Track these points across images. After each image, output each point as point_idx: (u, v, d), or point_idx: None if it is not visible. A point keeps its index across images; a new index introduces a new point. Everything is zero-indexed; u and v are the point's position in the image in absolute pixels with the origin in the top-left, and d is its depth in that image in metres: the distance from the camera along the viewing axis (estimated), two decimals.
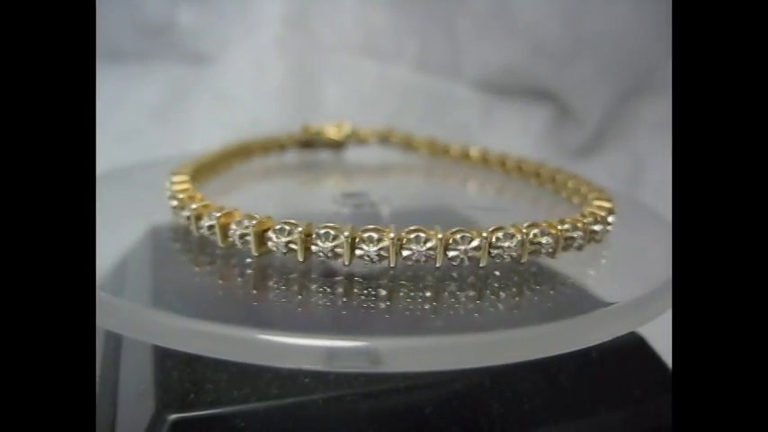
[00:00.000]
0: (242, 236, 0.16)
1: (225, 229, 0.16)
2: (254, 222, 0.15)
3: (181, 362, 0.16)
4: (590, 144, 0.47)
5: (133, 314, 0.14)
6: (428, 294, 0.15)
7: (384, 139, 0.30)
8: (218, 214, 0.16)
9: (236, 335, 0.13)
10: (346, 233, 0.15)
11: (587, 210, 0.18)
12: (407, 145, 0.31)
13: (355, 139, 0.30)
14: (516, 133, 0.47)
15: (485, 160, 0.29)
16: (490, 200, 0.28)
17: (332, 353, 0.12)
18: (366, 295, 0.15)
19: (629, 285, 0.17)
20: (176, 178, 0.19)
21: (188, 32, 0.45)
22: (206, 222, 0.17)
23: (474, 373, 0.16)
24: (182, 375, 0.16)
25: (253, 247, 0.16)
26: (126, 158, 0.27)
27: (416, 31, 0.46)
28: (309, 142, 0.29)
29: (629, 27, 0.44)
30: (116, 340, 0.19)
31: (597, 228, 0.17)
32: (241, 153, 0.27)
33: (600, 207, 0.19)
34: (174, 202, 0.18)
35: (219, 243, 0.16)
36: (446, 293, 0.15)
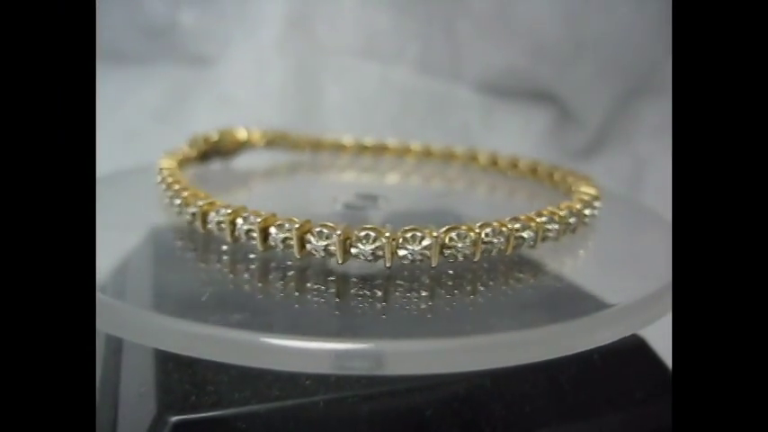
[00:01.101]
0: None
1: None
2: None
3: (182, 364, 0.16)
4: (591, 146, 0.47)
5: (134, 317, 0.14)
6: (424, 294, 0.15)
7: (271, 142, 0.29)
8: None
9: (238, 338, 0.13)
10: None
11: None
12: (295, 146, 0.30)
13: (248, 145, 0.29)
14: (517, 135, 0.47)
15: (404, 150, 0.30)
16: (484, 198, 0.28)
17: (337, 356, 0.12)
18: (367, 296, 0.15)
19: (629, 287, 0.17)
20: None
21: (189, 34, 0.45)
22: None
23: (475, 375, 0.16)
24: (183, 377, 0.16)
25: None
26: (127, 160, 0.27)
27: (417, 32, 0.46)
28: (208, 153, 0.27)
29: (629, 29, 0.45)
30: (117, 342, 0.19)
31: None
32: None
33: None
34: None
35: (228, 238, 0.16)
36: (448, 292, 0.15)
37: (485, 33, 0.46)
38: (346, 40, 0.46)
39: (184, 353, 0.13)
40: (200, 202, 0.17)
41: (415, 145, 0.30)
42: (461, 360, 0.13)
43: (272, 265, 0.17)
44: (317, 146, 0.30)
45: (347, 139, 0.31)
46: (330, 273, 0.16)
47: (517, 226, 0.16)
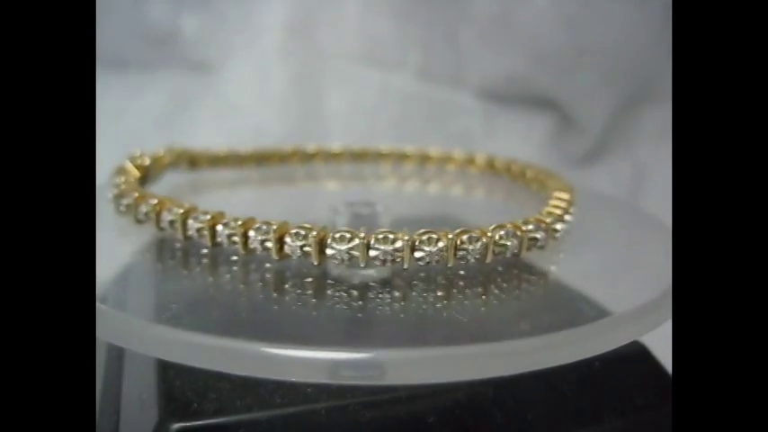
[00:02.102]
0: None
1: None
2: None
3: (184, 371, 0.16)
4: (592, 152, 0.47)
5: (135, 328, 0.14)
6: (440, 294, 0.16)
7: (175, 163, 0.28)
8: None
9: (239, 348, 0.13)
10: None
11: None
12: (192, 164, 0.29)
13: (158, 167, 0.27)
14: (519, 142, 0.47)
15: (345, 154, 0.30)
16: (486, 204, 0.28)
17: (337, 366, 0.12)
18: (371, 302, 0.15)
19: (630, 294, 0.17)
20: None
21: (191, 41, 0.45)
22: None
23: (477, 383, 0.16)
24: (184, 384, 0.16)
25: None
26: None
27: (419, 39, 0.47)
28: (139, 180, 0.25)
29: (630, 36, 0.45)
30: (119, 349, 0.19)
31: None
32: None
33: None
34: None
35: (241, 250, 0.17)
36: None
37: (486, 40, 0.46)
38: (348, 47, 0.46)
39: (186, 363, 0.13)
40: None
41: (336, 147, 0.30)
42: (462, 369, 0.13)
43: (288, 274, 0.17)
44: (215, 161, 0.29)
45: (244, 151, 0.29)
46: (343, 279, 0.16)
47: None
